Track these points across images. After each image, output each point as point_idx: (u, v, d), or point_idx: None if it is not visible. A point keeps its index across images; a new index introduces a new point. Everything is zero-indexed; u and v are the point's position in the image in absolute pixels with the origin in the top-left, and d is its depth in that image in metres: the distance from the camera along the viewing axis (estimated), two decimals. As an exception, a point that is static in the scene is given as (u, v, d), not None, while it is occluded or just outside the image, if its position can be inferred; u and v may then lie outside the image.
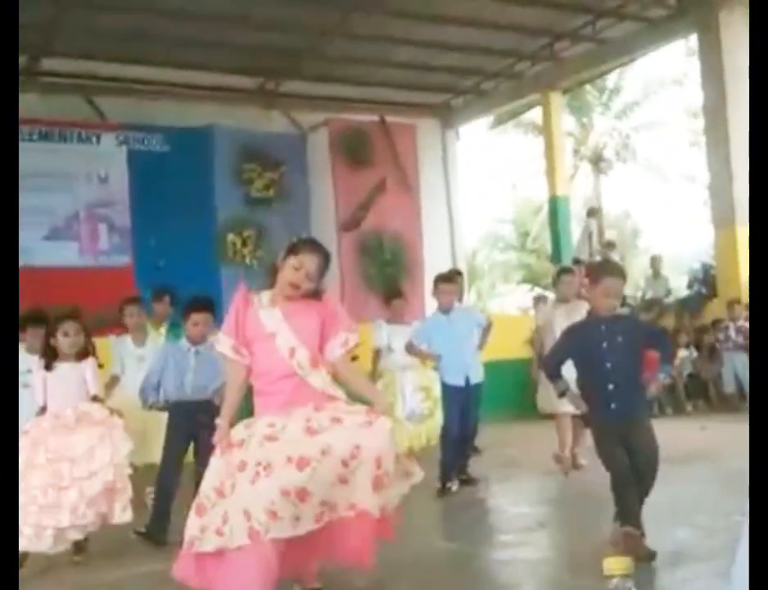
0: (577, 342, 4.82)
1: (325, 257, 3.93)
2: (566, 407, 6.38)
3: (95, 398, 5.22)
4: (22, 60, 12.12)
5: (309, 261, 3.83)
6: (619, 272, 4.97)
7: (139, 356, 6.91)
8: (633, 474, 4.54)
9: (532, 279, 27.68)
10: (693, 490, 6.09)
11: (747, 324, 10.79)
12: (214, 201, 13.58)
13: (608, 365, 4.66)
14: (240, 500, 3.52)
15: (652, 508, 5.12)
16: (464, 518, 5.69)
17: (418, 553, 4.65)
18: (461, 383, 6.79)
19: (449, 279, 7.33)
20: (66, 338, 5.14)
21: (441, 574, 4.28)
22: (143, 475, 5.99)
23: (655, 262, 14.29)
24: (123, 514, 5.01)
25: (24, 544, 4.73)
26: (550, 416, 7.29)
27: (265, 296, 3.92)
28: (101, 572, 4.80)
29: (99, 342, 7.41)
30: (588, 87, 23.11)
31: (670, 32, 12.74)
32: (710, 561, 4.01)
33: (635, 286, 17.71)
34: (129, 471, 5.17)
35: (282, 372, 3.80)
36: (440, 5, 11.58)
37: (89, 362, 5.26)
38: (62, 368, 5.15)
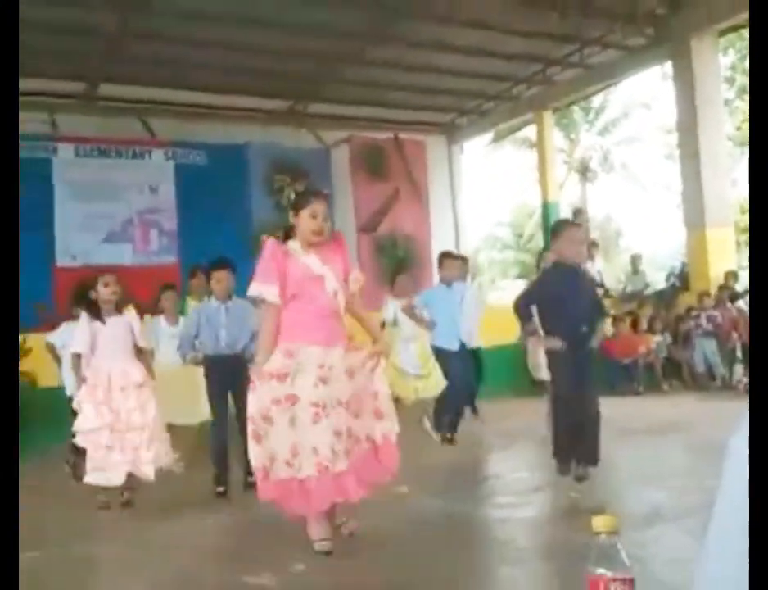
0: (549, 287, 4.69)
1: (327, 198, 3.95)
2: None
3: (141, 352, 5.19)
4: (82, 86, 12.19)
5: (321, 207, 3.84)
6: (574, 223, 4.88)
7: (172, 334, 6.93)
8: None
9: (527, 275, 27.60)
10: (669, 457, 6.08)
11: (715, 313, 10.74)
12: (250, 207, 13.62)
13: (580, 313, 4.59)
14: (306, 436, 3.58)
15: (631, 473, 5.13)
16: (466, 481, 5.69)
17: (424, 511, 4.66)
18: (455, 347, 6.73)
19: (452, 255, 7.36)
20: (107, 288, 5.04)
21: (445, 529, 4.28)
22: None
23: (635, 260, 14.22)
24: (166, 458, 5.09)
25: (95, 479, 4.88)
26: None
27: (296, 245, 3.86)
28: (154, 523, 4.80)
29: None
30: (575, 107, 23.00)
31: (647, 59, 12.66)
32: (682, 520, 3.99)
33: (617, 280, 17.64)
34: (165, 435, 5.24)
35: (329, 310, 3.80)
36: (447, 36, 11.55)
37: (132, 313, 5.18)
38: (110, 321, 5.03)
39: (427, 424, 6.88)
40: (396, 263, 14.25)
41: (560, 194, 16.15)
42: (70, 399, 5.98)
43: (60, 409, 7.37)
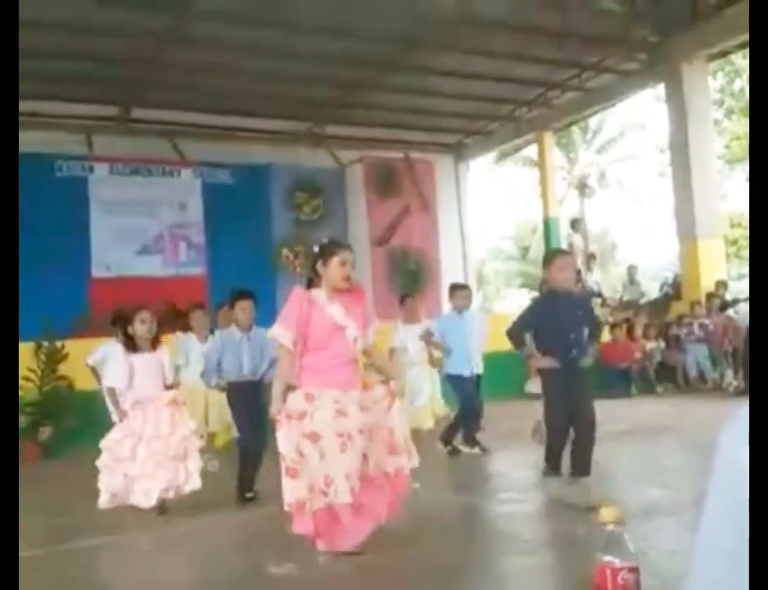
0: (542, 312, 4.67)
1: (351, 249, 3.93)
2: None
3: (169, 387, 5.11)
4: (116, 110, 12.28)
5: (349, 256, 3.82)
6: (565, 252, 4.88)
7: (202, 351, 6.93)
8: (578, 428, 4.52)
9: (530, 284, 27.53)
10: (664, 456, 6.03)
11: (706, 320, 10.68)
12: (271, 222, 13.66)
13: (572, 335, 4.57)
14: (339, 465, 3.55)
15: (629, 471, 5.10)
16: (472, 479, 5.67)
17: (436, 505, 4.65)
18: (466, 373, 6.72)
19: (464, 287, 7.33)
20: (143, 325, 4.97)
21: (455, 521, 4.26)
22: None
23: (631, 271, 14.19)
24: (195, 481, 4.97)
25: (134, 500, 4.81)
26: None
27: (321, 294, 3.81)
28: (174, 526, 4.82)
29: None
30: (574, 127, 22.97)
31: (641, 82, 12.65)
32: (677, 515, 3.96)
33: (614, 290, 17.56)
34: (200, 443, 5.17)
35: (349, 358, 3.81)
36: (455, 62, 11.58)
37: (164, 351, 5.14)
38: (144, 356, 4.99)
39: (461, 445, 6.77)
40: (407, 278, 14.29)
41: (560, 209, 16.12)
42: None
43: (97, 412, 7.41)
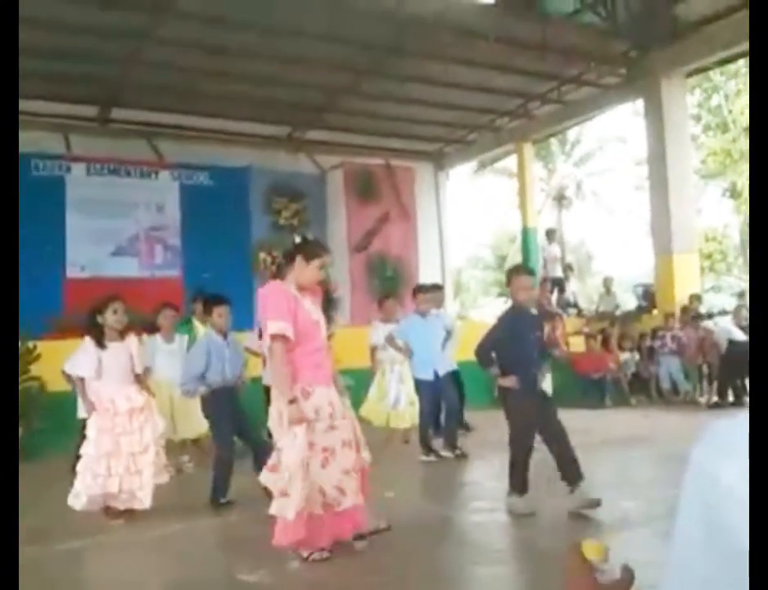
0: (507, 331, 4.67)
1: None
2: None
3: (138, 377, 5.07)
4: (95, 110, 12.17)
5: (329, 259, 3.94)
6: (525, 270, 4.95)
7: (170, 350, 6.87)
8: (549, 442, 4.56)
9: (507, 293, 27.56)
10: (637, 467, 6.08)
11: (680, 333, 10.78)
12: (250, 226, 13.60)
13: (535, 354, 4.64)
14: (316, 479, 3.61)
15: (602, 482, 5.12)
16: (445, 487, 5.67)
17: (409, 514, 4.64)
18: (430, 377, 6.71)
19: (425, 287, 7.34)
20: (115, 315, 4.94)
21: (427, 530, 4.26)
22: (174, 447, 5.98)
23: (607, 282, 14.30)
24: (159, 476, 4.95)
25: (80, 504, 4.76)
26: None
27: (291, 287, 3.81)
28: (149, 529, 4.78)
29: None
30: (553, 139, 23.16)
31: (620, 96, 12.78)
32: (649, 526, 3.99)
33: (590, 300, 17.71)
34: (162, 443, 5.13)
35: (325, 352, 3.89)
36: (436, 71, 11.63)
37: (133, 340, 5.09)
38: (113, 347, 4.93)
39: (443, 451, 6.76)
40: (384, 285, 14.29)
41: (538, 220, 16.23)
42: (83, 422, 5.95)
43: (68, 414, 7.31)
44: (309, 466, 3.57)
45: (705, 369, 10.63)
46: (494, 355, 4.73)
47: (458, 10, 10.04)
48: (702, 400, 10.30)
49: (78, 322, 8.29)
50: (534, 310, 4.86)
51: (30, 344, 8.57)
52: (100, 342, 4.90)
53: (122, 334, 5.02)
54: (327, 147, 14.59)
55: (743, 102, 20.68)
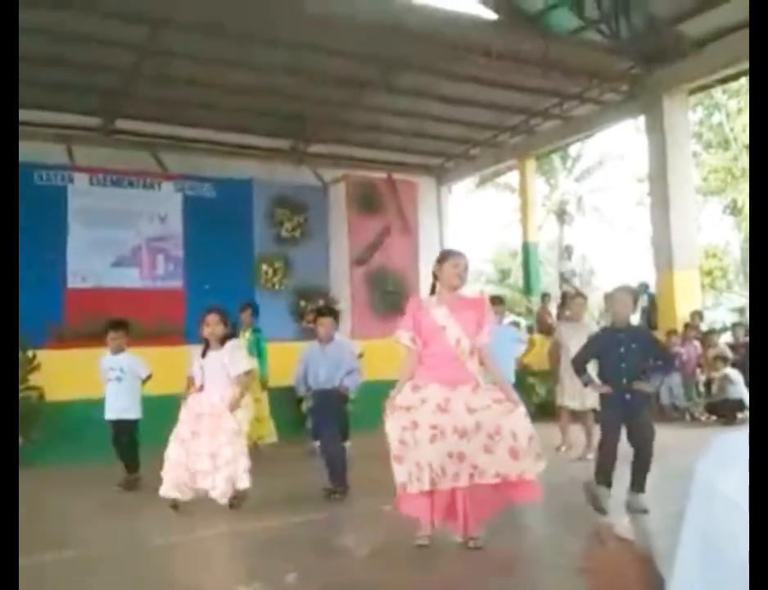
0: (600, 345, 5.20)
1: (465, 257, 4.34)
2: (571, 402, 7.15)
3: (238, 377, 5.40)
4: (98, 121, 12.20)
5: (462, 260, 4.25)
6: (624, 291, 5.29)
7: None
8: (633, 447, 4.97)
9: (507, 308, 27.59)
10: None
11: (681, 350, 10.76)
12: (252, 238, 13.61)
13: (623, 364, 4.93)
14: (424, 454, 3.93)
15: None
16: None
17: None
18: None
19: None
20: (208, 327, 5.38)
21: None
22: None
23: (607, 298, 14.26)
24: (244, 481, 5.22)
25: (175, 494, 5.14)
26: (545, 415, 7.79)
27: (433, 299, 4.27)
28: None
29: (150, 351, 7.45)
30: (554, 155, 23.23)
31: (622, 113, 12.82)
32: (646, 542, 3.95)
33: (590, 317, 17.68)
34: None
35: (449, 356, 4.12)
36: (440, 86, 11.70)
37: (228, 345, 5.42)
38: (210, 355, 5.38)
39: None
40: (385, 298, 14.29)
41: (539, 235, 16.25)
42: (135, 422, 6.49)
43: (68, 424, 7.31)
44: (414, 443, 3.93)
45: (703, 386, 10.60)
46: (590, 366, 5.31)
47: (461, 25, 10.09)
48: (703, 417, 10.27)
49: (78, 332, 8.32)
50: (626, 325, 5.19)
51: (30, 353, 8.56)
52: (203, 351, 5.43)
53: (222, 342, 5.41)
54: (329, 160, 14.64)
55: (744, 120, 20.74)
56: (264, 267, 13.66)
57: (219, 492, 5.10)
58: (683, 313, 11.24)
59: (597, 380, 5.25)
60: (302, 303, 13.83)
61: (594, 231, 28.58)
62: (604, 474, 4.88)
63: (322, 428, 5.81)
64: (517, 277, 25.81)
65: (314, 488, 5.60)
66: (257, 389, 7.48)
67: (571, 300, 7.95)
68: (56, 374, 8.28)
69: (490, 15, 10.45)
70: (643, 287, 12.37)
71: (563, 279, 14.22)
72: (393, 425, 4.00)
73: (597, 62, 11.32)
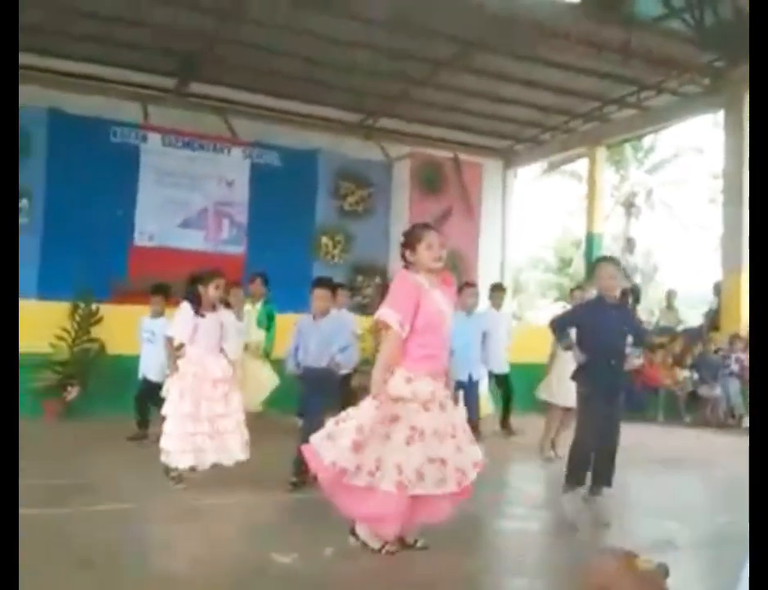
0: (586, 315, 4.72)
1: (435, 229, 3.87)
2: (558, 399, 6.29)
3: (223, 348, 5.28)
4: (173, 82, 12.37)
5: (433, 237, 3.78)
6: (611, 259, 4.92)
7: (238, 328, 6.91)
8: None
9: (564, 298, 27.20)
10: (684, 488, 5.91)
11: (743, 356, 10.43)
12: (314, 209, 13.67)
13: (612, 343, 4.56)
14: (394, 454, 3.54)
15: (647, 501, 4.98)
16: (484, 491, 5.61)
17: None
18: (464, 377, 6.44)
19: (470, 283, 7.16)
20: (217, 290, 5.18)
21: (457, 535, 4.18)
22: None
23: (670, 296, 13.93)
24: (243, 452, 5.12)
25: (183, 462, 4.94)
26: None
27: (423, 278, 3.73)
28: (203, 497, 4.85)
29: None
30: (627, 145, 22.64)
31: (701, 106, 12.41)
32: (692, 551, 3.86)
33: (650, 313, 17.29)
34: (242, 417, 5.27)
35: (446, 345, 3.81)
36: (515, 68, 11.50)
37: (224, 312, 5.33)
38: (209, 316, 5.17)
39: None
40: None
41: (604, 226, 15.88)
42: (158, 385, 6.29)
43: (125, 377, 7.50)
44: (377, 436, 3.54)
45: None
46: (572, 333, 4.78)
47: (541, 8, 9.86)
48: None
49: (142, 288, 8.49)
50: (615, 302, 4.76)
51: (93, 307, 8.79)
52: (198, 311, 5.13)
53: (214, 307, 5.24)
54: (396, 135, 14.55)
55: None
56: (325, 239, 13.71)
57: (231, 455, 5.06)
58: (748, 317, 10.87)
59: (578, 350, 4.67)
60: (359, 278, 13.85)
61: (662, 226, 27.85)
62: (582, 473, 4.51)
63: (305, 409, 5.38)
64: (577, 267, 25.36)
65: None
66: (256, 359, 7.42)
67: (570, 293, 7.52)
68: (117, 328, 8.48)
69: (572, -2, 10.18)
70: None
71: (624, 273, 13.91)
72: (370, 413, 3.56)
73: (679, 52, 10.94)
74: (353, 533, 3.75)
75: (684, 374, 10.79)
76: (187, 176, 12.72)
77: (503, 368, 8.18)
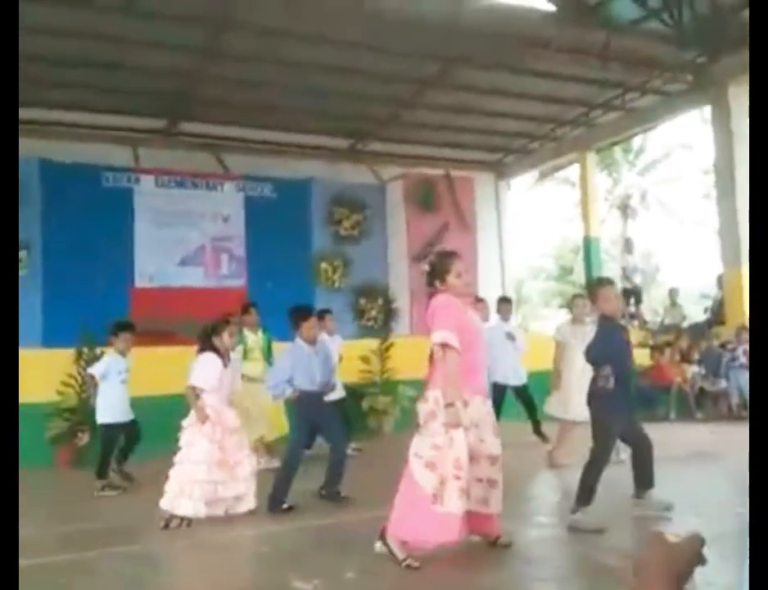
0: (614, 341, 4.68)
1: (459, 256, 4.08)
2: (573, 416, 6.26)
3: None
4: (162, 124, 12.48)
5: (460, 264, 4.01)
6: (608, 281, 4.95)
7: (234, 360, 6.93)
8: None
9: (568, 305, 27.07)
10: (702, 484, 5.89)
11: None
12: (311, 236, 13.76)
13: (627, 364, 4.64)
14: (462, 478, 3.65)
15: (665, 496, 4.95)
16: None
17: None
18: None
19: (478, 298, 7.39)
20: (231, 338, 5.33)
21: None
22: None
23: (672, 294, 13.94)
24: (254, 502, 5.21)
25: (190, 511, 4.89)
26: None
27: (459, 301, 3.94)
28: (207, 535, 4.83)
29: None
30: (617, 148, 22.76)
31: (687, 103, 12.48)
32: (712, 545, 3.83)
33: (655, 313, 17.29)
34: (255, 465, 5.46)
35: (483, 362, 3.96)
36: (498, 81, 11.59)
37: (234, 359, 5.52)
38: (229, 367, 5.33)
39: None
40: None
41: (601, 230, 15.93)
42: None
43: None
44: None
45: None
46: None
47: (519, 18, 9.95)
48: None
49: (145, 330, 8.51)
50: (622, 323, 4.92)
51: (98, 351, 8.80)
52: (223, 361, 5.26)
53: (228, 353, 5.40)
54: (387, 158, 14.65)
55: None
56: (324, 265, 13.77)
57: (248, 501, 5.14)
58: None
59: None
60: (362, 301, 13.89)
61: (660, 226, 27.91)
62: (593, 494, 4.48)
63: (329, 436, 5.53)
64: (579, 274, 25.40)
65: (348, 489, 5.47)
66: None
67: (572, 301, 7.49)
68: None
69: (549, 6, 10.27)
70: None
71: (624, 274, 13.95)
72: (455, 449, 3.64)
73: (660, 52, 11.03)
74: (382, 538, 3.78)
75: (692, 369, 10.77)
76: (182, 215, 12.80)
77: (522, 379, 8.24)
